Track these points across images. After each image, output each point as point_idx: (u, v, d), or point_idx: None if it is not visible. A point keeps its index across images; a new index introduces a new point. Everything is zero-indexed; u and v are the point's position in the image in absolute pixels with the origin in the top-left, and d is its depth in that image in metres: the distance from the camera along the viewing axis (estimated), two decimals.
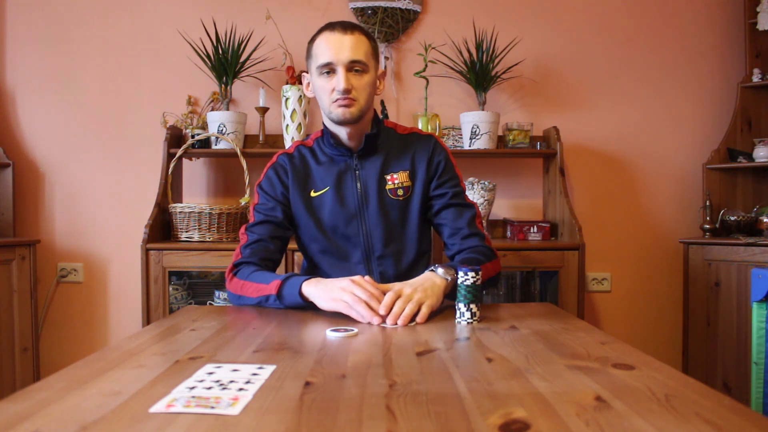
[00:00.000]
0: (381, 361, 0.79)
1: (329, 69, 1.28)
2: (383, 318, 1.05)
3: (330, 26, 1.29)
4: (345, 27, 1.28)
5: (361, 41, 1.28)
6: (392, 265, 1.38)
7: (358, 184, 1.38)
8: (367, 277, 1.12)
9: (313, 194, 1.38)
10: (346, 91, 1.26)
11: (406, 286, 1.12)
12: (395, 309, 1.06)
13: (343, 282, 1.11)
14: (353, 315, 1.07)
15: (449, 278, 1.17)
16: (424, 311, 1.07)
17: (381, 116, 1.50)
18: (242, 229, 1.38)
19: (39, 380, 0.71)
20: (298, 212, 1.38)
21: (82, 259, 2.61)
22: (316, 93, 1.35)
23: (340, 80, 1.26)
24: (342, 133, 1.36)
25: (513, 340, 0.92)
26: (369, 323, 1.05)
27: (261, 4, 2.54)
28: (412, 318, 1.06)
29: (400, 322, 1.04)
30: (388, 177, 1.38)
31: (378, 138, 1.39)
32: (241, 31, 2.45)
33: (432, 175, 1.40)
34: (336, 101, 1.29)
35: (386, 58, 2.57)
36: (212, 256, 2.16)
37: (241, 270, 1.30)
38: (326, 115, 1.34)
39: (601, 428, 0.54)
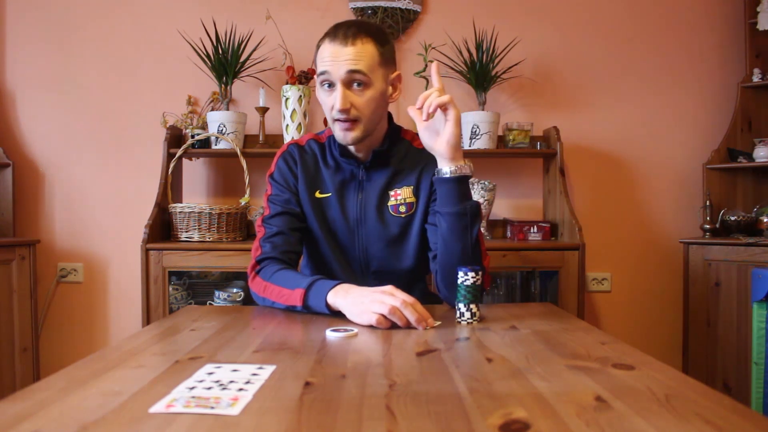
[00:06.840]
0: (381, 361, 0.79)
1: (328, 81, 1.19)
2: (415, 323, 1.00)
3: (332, 33, 1.19)
4: (347, 35, 1.16)
5: (365, 51, 1.16)
6: (386, 283, 1.27)
7: (360, 196, 1.31)
8: (391, 287, 1.05)
9: (317, 195, 1.32)
10: (344, 111, 1.18)
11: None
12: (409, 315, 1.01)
13: (374, 295, 1.02)
14: (393, 321, 1.01)
15: None
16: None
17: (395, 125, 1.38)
18: (258, 221, 1.31)
19: (39, 380, 0.71)
20: (303, 208, 1.33)
21: (82, 259, 2.61)
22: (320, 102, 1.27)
23: (337, 98, 1.17)
24: (349, 147, 1.29)
25: (513, 340, 0.92)
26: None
27: (261, 4, 2.54)
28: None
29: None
30: (392, 193, 1.31)
31: (388, 153, 1.31)
32: (241, 31, 2.44)
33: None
34: (336, 121, 1.20)
35: None
36: (212, 256, 2.16)
37: (264, 268, 1.23)
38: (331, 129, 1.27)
39: (601, 428, 0.54)
